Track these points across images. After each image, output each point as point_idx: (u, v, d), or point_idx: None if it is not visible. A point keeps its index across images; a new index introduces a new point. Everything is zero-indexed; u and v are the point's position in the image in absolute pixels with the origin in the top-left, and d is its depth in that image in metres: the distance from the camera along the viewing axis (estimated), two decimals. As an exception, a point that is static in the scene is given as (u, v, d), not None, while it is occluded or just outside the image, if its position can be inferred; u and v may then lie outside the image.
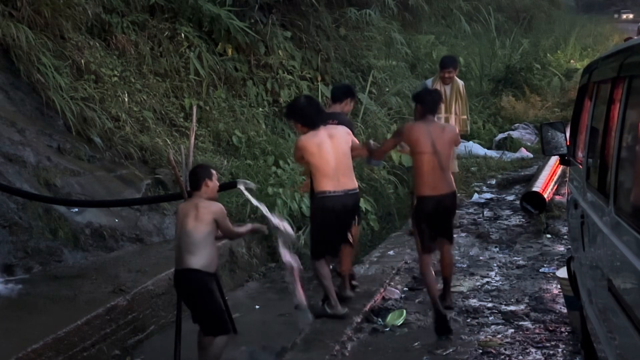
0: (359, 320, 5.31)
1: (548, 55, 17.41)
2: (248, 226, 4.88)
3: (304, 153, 5.21)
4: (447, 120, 7.62)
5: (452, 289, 5.95)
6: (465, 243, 7.30)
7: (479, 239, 7.43)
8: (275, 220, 4.83)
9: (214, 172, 4.55)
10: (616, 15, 37.43)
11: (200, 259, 4.31)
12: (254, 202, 5.06)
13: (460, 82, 7.86)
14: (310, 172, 5.33)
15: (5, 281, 5.09)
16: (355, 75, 11.16)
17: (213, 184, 4.48)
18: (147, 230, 6.48)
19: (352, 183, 5.30)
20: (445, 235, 5.41)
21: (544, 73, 15.89)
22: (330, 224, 5.28)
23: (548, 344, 4.79)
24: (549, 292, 5.80)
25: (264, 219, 5.09)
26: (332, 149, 5.19)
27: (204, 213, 4.33)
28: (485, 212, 8.46)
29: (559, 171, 8.98)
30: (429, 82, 7.88)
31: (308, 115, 5.27)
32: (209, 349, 4.39)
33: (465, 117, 7.90)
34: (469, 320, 5.33)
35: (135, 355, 4.91)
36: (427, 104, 5.31)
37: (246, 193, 5.04)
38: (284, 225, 4.83)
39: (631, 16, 37.67)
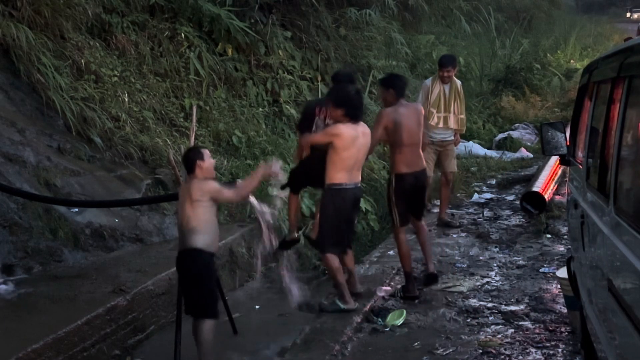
0: (359, 320, 5.31)
1: (548, 55, 17.41)
2: (256, 174, 4.78)
3: (337, 141, 5.16)
4: (446, 119, 7.69)
5: (452, 289, 5.97)
6: (465, 243, 7.30)
7: (479, 239, 7.43)
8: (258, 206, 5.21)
9: (205, 151, 4.59)
10: (628, 15, 37.37)
11: (201, 238, 4.39)
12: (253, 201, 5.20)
13: (458, 82, 7.91)
14: (327, 160, 5.24)
15: (5, 281, 5.09)
16: (355, 75, 11.16)
17: (206, 163, 4.51)
18: (147, 230, 6.48)
19: (359, 177, 5.46)
20: (419, 211, 5.91)
21: (544, 73, 15.89)
22: (344, 215, 5.35)
23: (548, 344, 4.79)
24: (549, 292, 5.80)
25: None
26: (361, 146, 5.29)
27: (198, 195, 4.39)
28: (485, 212, 8.46)
29: (559, 171, 8.99)
30: (428, 81, 7.91)
31: (356, 107, 5.29)
32: (200, 335, 4.42)
33: (463, 116, 7.97)
34: (469, 320, 5.33)
35: (135, 355, 4.92)
36: (399, 87, 5.69)
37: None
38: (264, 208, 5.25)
39: None
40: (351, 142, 5.18)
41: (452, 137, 7.87)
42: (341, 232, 5.38)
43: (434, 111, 7.63)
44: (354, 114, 5.22)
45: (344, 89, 5.40)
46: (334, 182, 5.23)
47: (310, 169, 5.52)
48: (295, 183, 5.67)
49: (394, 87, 5.69)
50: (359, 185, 5.45)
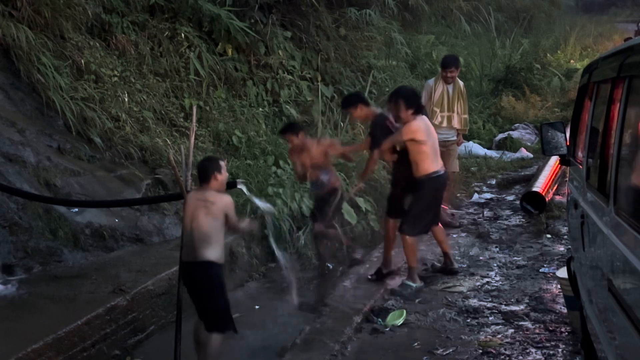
0: (359, 320, 5.31)
1: (548, 55, 17.38)
2: (247, 222, 4.90)
3: (418, 135, 5.76)
4: (449, 118, 7.74)
5: (452, 289, 5.99)
6: (465, 243, 7.30)
7: (479, 239, 7.43)
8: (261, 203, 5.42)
9: (222, 164, 4.54)
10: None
11: (214, 251, 4.34)
12: (255, 200, 5.27)
13: (461, 82, 7.95)
14: (415, 156, 5.84)
15: (5, 281, 5.09)
16: (355, 75, 11.14)
17: (222, 177, 4.47)
18: (147, 230, 6.48)
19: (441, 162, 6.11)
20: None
21: (544, 73, 15.86)
22: (439, 199, 6.13)
23: (548, 344, 4.80)
24: (549, 292, 5.80)
25: (262, 219, 5.27)
26: (435, 135, 6.00)
27: (216, 207, 4.34)
28: (485, 212, 8.46)
29: (559, 171, 8.98)
30: (430, 81, 7.92)
31: (421, 103, 6.10)
32: (209, 346, 4.39)
33: (466, 116, 8.01)
34: (469, 320, 5.33)
35: (135, 355, 4.92)
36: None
37: (247, 192, 5.09)
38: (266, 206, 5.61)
39: None
40: (428, 133, 5.83)
41: (455, 137, 7.88)
42: (434, 215, 6.07)
43: (438, 110, 7.66)
44: (421, 110, 5.94)
45: (408, 91, 6.11)
46: (431, 171, 5.83)
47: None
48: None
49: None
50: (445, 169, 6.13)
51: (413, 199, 5.93)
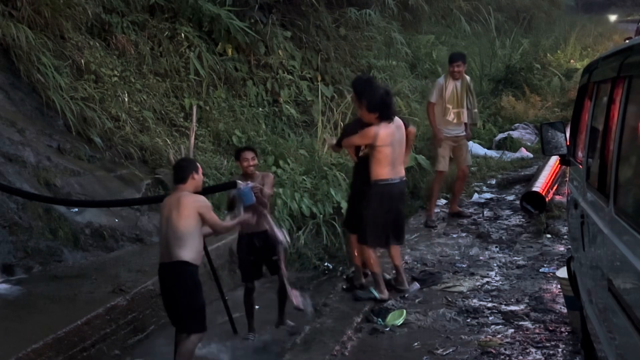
0: (359, 320, 5.31)
1: (548, 55, 17.38)
2: (236, 219, 4.88)
3: (376, 140, 5.47)
4: (459, 114, 7.83)
5: (452, 289, 5.98)
6: (465, 243, 7.29)
7: (479, 239, 7.43)
8: (276, 230, 5.13)
9: (199, 165, 4.59)
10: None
11: (188, 251, 4.34)
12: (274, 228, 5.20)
13: (468, 77, 8.09)
14: (371, 160, 5.55)
15: (5, 281, 5.09)
16: (355, 75, 11.14)
17: (199, 177, 4.52)
18: (147, 230, 6.48)
19: (403, 171, 5.78)
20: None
21: (544, 73, 15.86)
22: (389, 209, 5.67)
23: (548, 344, 4.79)
24: (549, 292, 5.80)
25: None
26: (398, 141, 5.65)
27: (189, 208, 4.35)
28: (485, 212, 8.45)
29: (559, 171, 8.98)
30: (441, 80, 8.01)
31: (389, 108, 5.61)
32: (185, 345, 4.37)
33: (476, 110, 8.17)
34: (469, 320, 5.33)
35: (135, 355, 4.92)
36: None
37: (269, 220, 5.11)
38: (282, 233, 5.22)
39: None
40: (389, 140, 5.49)
41: (464, 132, 7.99)
42: (386, 226, 5.65)
43: (450, 107, 7.76)
44: (388, 115, 5.53)
45: (375, 93, 5.58)
46: (381, 178, 5.51)
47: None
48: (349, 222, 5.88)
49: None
50: (404, 179, 5.74)
51: (364, 205, 5.62)
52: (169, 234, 4.36)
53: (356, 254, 5.93)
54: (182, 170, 4.50)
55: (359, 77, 6.80)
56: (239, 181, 5.00)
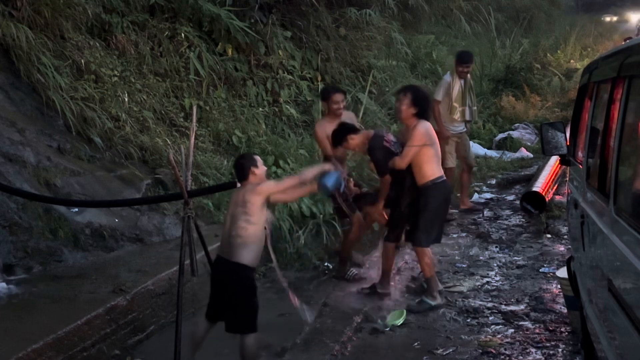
0: (359, 320, 5.31)
1: (548, 55, 17.38)
2: (311, 171, 4.83)
3: (426, 139, 5.49)
4: (463, 112, 8.03)
5: (452, 289, 5.98)
6: (465, 243, 7.30)
7: (479, 239, 7.44)
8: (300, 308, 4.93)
9: (258, 158, 4.55)
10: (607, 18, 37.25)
11: (248, 253, 4.33)
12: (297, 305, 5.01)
13: (468, 75, 8.24)
14: (419, 161, 5.51)
15: (5, 281, 5.09)
16: (355, 75, 11.16)
17: (260, 170, 4.47)
18: (147, 230, 6.48)
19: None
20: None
21: (544, 73, 15.87)
22: (446, 207, 5.82)
23: (548, 344, 4.80)
24: (549, 292, 5.80)
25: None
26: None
27: (255, 206, 4.32)
28: (485, 212, 8.46)
29: (559, 171, 8.98)
30: (448, 77, 8.17)
31: (428, 106, 5.75)
32: (246, 348, 4.38)
33: (475, 107, 8.45)
34: (469, 320, 5.33)
35: (135, 355, 4.91)
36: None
37: (297, 303, 4.99)
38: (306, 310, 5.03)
39: None
40: (435, 137, 5.57)
41: (465, 128, 8.30)
42: (442, 222, 5.75)
43: (457, 106, 7.96)
44: (427, 112, 5.64)
45: (420, 89, 5.69)
46: (436, 177, 5.51)
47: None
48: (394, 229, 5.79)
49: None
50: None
51: (419, 208, 5.54)
52: (232, 232, 4.36)
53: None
54: (240, 168, 4.47)
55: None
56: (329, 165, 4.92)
